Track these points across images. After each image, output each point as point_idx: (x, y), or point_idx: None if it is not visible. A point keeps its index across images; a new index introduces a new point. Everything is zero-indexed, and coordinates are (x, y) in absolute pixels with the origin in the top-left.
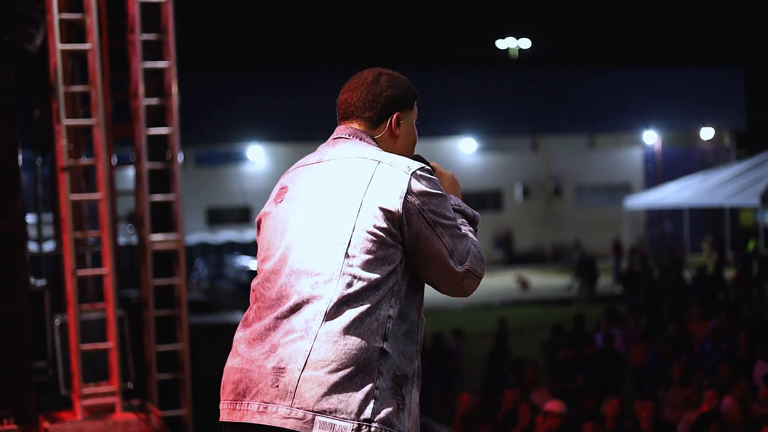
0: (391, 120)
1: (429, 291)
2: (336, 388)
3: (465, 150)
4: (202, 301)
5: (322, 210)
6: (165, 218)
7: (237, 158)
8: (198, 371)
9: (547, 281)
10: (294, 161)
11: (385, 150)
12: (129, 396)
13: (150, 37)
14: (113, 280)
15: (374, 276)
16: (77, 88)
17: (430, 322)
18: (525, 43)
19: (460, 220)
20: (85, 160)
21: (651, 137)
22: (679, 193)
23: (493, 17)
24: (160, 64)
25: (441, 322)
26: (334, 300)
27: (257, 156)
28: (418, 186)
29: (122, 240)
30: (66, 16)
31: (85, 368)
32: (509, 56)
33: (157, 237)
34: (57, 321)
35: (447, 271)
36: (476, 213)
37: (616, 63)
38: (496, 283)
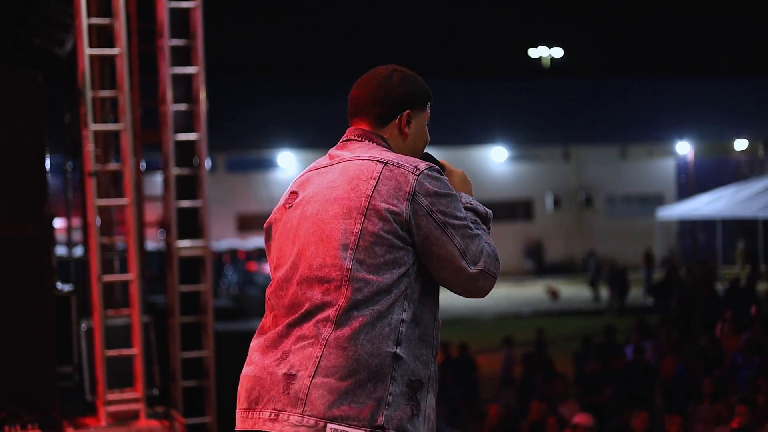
0: (401, 117)
1: (454, 301)
2: (347, 395)
3: (496, 159)
4: (230, 308)
5: (330, 215)
6: (192, 224)
7: (268, 165)
8: (223, 378)
9: (577, 292)
10: None
11: (395, 149)
12: (154, 403)
13: (179, 42)
14: (138, 286)
15: (384, 280)
16: (105, 93)
17: (457, 333)
18: (557, 52)
19: (471, 219)
20: (112, 165)
21: (684, 147)
22: (711, 204)
23: (526, 26)
24: (189, 70)
25: (468, 332)
26: (344, 306)
27: (288, 163)
28: (425, 186)
29: (153, 246)
30: (95, 20)
31: (111, 374)
32: (541, 65)
33: (183, 243)
34: (83, 326)
35: (460, 272)
36: (488, 210)
37: (649, 72)
38: (526, 293)
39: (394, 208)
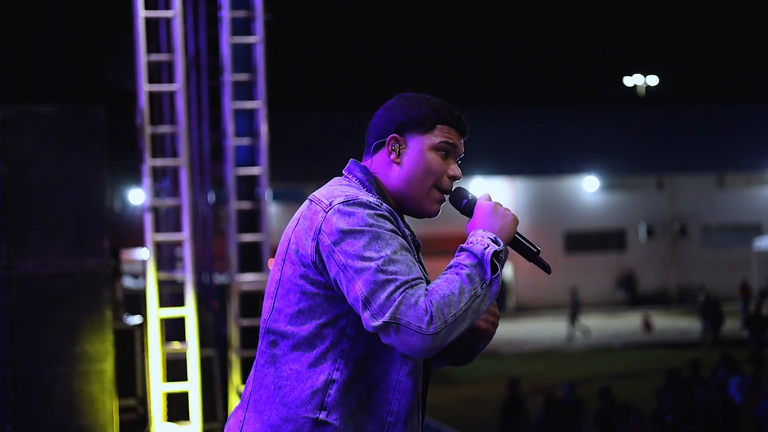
0: (384, 143)
1: (541, 331)
2: None
3: (588, 188)
4: None
5: (274, 261)
6: (253, 258)
7: None
8: None
9: (672, 324)
10: None
11: (387, 181)
12: None
13: (241, 77)
14: (194, 321)
15: (300, 331)
16: (164, 129)
17: (543, 366)
18: (653, 80)
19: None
20: (170, 200)
21: None
22: None
23: (621, 54)
24: (251, 104)
25: (556, 365)
26: (261, 362)
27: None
28: (331, 224)
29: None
30: (154, 57)
31: (176, 407)
32: (636, 93)
33: (244, 277)
34: None
35: (365, 323)
36: (485, 253)
37: (747, 100)
38: (618, 324)
39: (301, 250)
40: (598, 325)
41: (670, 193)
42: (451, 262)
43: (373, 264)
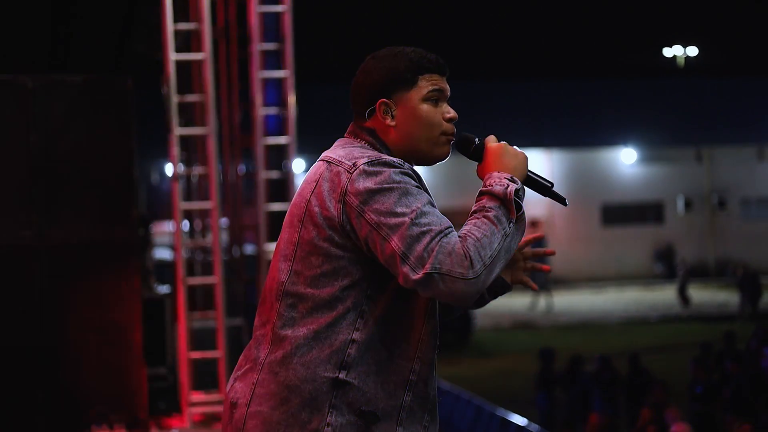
0: (375, 110)
1: (579, 303)
2: (280, 425)
3: (625, 160)
4: None
5: (285, 224)
6: (281, 228)
7: None
8: None
9: (710, 296)
10: (454, 170)
11: (390, 141)
12: None
13: (269, 46)
14: (222, 289)
15: (322, 293)
16: (191, 98)
17: (579, 338)
18: (692, 51)
19: (486, 206)
20: (198, 169)
21: None
22: None
23: (660, 24)
24: (279, 74)
25: (591, 338)
26: (278, 323)
27: None
28: (357, 184)
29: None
30: (182, 26)
31: (204, 376)
32: (676, 64)
33: (273, 247)
34: None
35: (406, 279)
36: (506, 193)
37: None
38: (656, 297)
39: (326, 213)
40: (635, 297)
41: (709, 165)
42: (475, 207)
43: (406, 219)
